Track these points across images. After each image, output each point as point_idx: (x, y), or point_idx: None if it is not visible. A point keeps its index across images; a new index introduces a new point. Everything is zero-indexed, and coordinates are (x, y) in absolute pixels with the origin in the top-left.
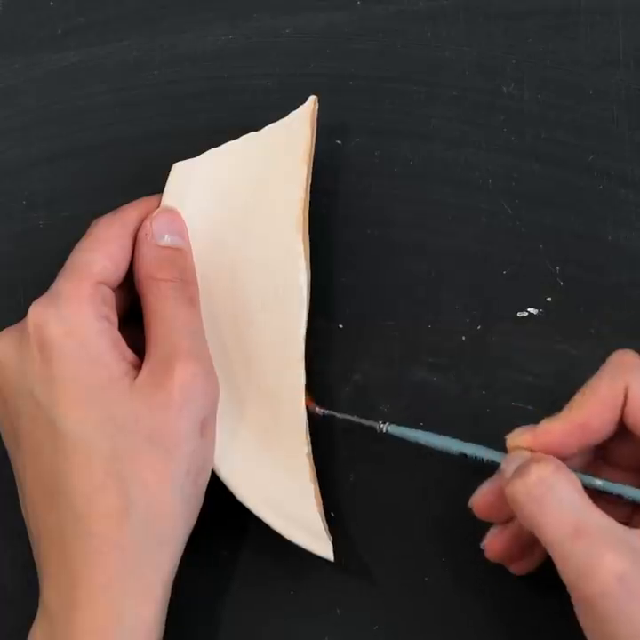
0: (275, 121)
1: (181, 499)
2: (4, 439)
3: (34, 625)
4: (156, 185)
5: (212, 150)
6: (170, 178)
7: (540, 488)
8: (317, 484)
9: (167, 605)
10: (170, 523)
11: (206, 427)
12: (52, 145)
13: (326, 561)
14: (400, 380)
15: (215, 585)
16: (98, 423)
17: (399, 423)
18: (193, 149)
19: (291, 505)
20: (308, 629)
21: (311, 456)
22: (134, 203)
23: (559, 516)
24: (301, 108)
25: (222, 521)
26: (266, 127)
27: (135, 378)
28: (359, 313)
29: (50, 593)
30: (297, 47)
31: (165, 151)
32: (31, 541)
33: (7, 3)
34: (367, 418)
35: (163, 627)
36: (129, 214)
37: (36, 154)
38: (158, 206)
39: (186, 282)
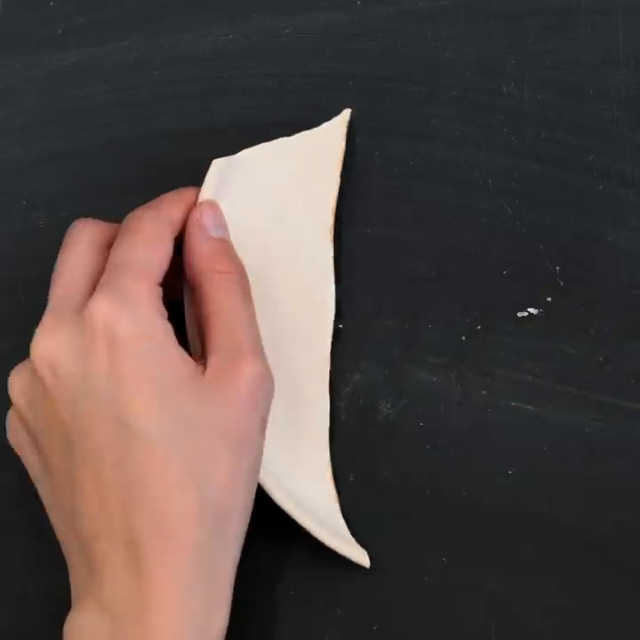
0: (275, 122)
1: (247, 496)
2: (43, 437)
3: (77, 623)
4: (155, 185)
5: (249, 149)
6: (209, 173)
7: None
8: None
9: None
10: (239, 521)
11: (265, 425)
12: (52, 145)
13: (325, 561)
14: (400, 380)
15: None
16: (174, 423)
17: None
18: (193, 149)
19: (321, 511)
20: (308, 629)
21: (330, 463)
22: (171, 196)
23: None
24: (335, 119)
25: None
26: (298, 134)
27: (201, 375)
28: (358, 312)
29: (112, 593)
30: (297, 47)
31: (165, 151)
32: (70, 542)
33: (7, 2)
34: (368, 418)
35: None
36: (171, 211)
37: (36, 154)
38: (195, 200)
39: (243, 274)
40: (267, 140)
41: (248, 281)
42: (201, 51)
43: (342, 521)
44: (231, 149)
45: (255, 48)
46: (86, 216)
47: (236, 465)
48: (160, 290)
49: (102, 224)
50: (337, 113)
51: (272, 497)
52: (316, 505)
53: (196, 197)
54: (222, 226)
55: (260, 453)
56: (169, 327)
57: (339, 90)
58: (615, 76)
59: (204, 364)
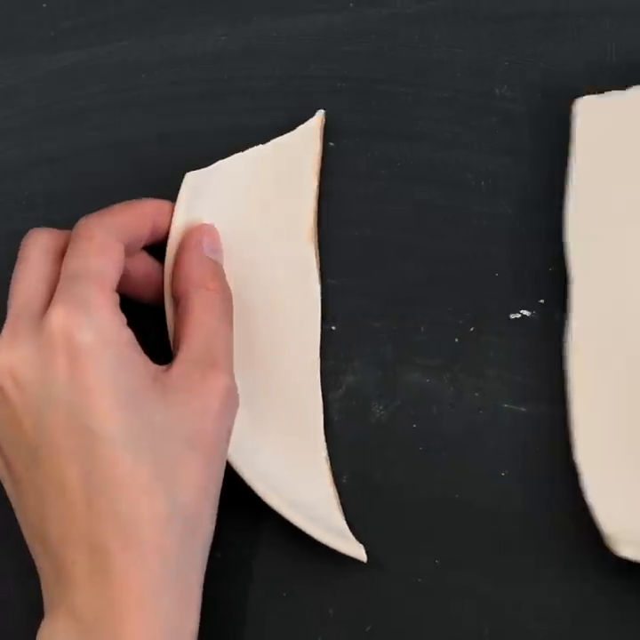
0: (274, 123)
1: (213, 503)
2: (7, 447)
3: (48, 632)
4: (155, 186)
5: (222, 161)
6: (183, 187)
7: None
8: (336, 487)
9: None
10: (206, 527)
11: (230, 435)
12: (52, 145)
13: (317, 561)
14: (393, 382)
15: (207, 586)
16: (140, 428)
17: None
18: (192, 151)
19: (316, 508)
20: (301, 629)
21: (328, 459)
22: (123, 205)
23: None
24: (310, 121)
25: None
26: (273, 140)
27: (166, 380)
28: (351, 315)
29: (82, 600)
30: (296, 49)
31: (165, 152)
32: (39, 549)
33: (3, 3)
34: (361, 420)
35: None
36: (122, 219)
37: (36, 154)
38: (147, 211)
39: (229, 299)
40: (264, 142)
41: (232, 307)
42: (201, 52)
43: (341, 516)
44: (229, 151)
45: (255, 50)
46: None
47: (204, 470)
48: (117, 296)
49: (54, 232)
50: (330, 115)
51: (266, 501)
52: (312, 503)
53: (149, 208)
54: (218, 251)
55: (224, 461)
56: (129, 333)
57: (333, 92)
58: (603, 77)
59: (169, 370)
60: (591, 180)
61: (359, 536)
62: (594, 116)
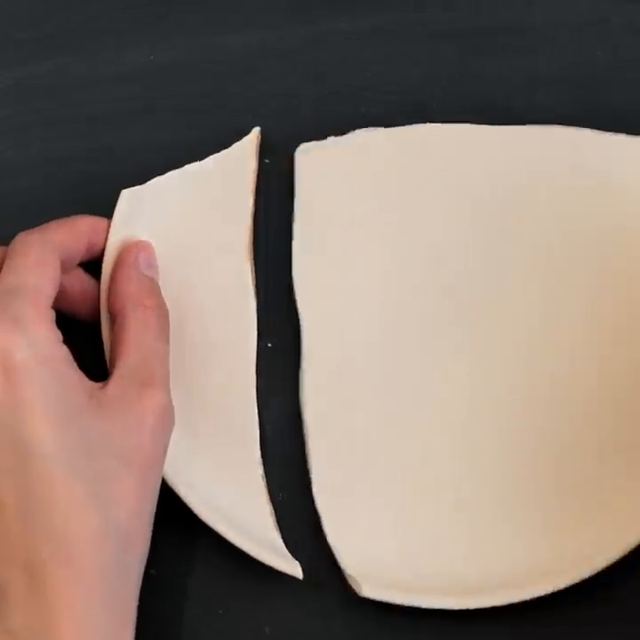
0: (210, 140)
1: (149, 520)
2: None
3: None
4: (91, 202)
5: (158, 178)
6: (118, 204)
7: None
8: (272, 504)
9: None
10: (142, 543)
11: (166, 452)
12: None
13: (253, 578)
14: None
15: (142, 603)
16: (75, 446)
17: None
18: (128, 168)
19: (253, 525)
20: None
21: (264, 477)
22: (58, 224)
23: None
24: (245, 138)
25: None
26: (209, 157)
27: (99, 398)
28: (287, 333)
29: (18, 619)
30: (232, 66)
31: (101, 169)
32: None
33: None
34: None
35: None
36: (58, 235)
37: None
38: (83, 228)
39: (165, 316)
40: (200, 159)
41: (168, 324)
42: (138, 69)
43: (277, 534)
44: (165, 168)
45: (190, 67)
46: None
47: (139, 487)
48: (53, 313)
49: None
50: (263, 132)
51: (202, 518)
52: (248, 520)
53: (85, 225)
54: (154, 267)
55: (160, 478)
56: (65, 350)
57: (265, 109)
58: (538, 95)
59: (105, 387)
60: (312, 223)
61: (295, 553)
62: (313, 160)
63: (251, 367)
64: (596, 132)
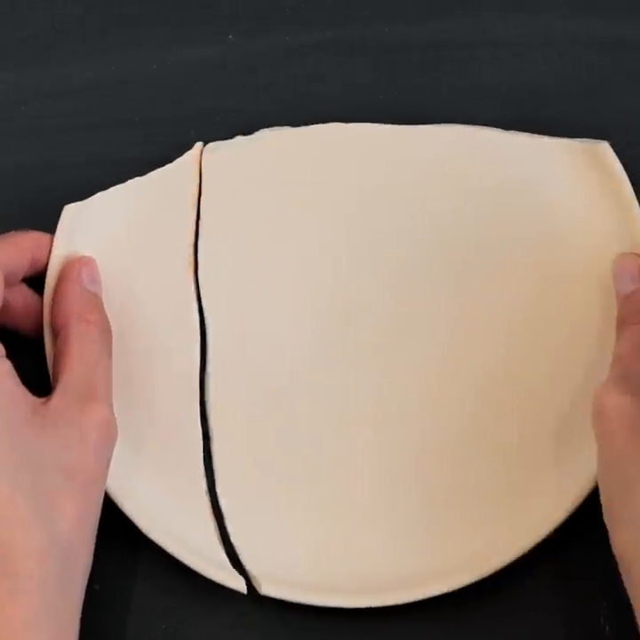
0: (152, 155)
1: (92, 535)
2: None
3: None
4: (33, 218)
5: (101, 193)
6: (61, 219)
7: None
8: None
9: None
10: (85, 558)
11: (108, 466)
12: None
13: (197, 593)
14: None
15: (85, 618)
16: (18, 461)
17: None
18: (70, 183)
19: (196, 540)
20: None
21: (208, 492)
22: (0, 240)
23: None
24: (187, 153)
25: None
26: (151, 172)
27: (42, 413)
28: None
29: None
30: (175, 81)
31: (43, 184)
32: None
33: None
34: None
35: None
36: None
37: None
38: (26, 244)
39: (108, 331)
40: (142, 174)
41: (111, 338)
42: (81, 84)
43: (221, 548)
44: (107, 183)
45: (133, 81)
46: None
47: (82, 502)
48: None
49: None
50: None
51: (145, 533)
52: (192, 535)
53: (28, 241)
54: (97, 282)
55: (102, 492)
56: (8, 364)
57: (211, 124)
58: (486, 109)
59: (48, 402)
60: (216, 222)
61: (239, 568)
62: (219, 158)
63: (194, 381)
64: (497, 130)
